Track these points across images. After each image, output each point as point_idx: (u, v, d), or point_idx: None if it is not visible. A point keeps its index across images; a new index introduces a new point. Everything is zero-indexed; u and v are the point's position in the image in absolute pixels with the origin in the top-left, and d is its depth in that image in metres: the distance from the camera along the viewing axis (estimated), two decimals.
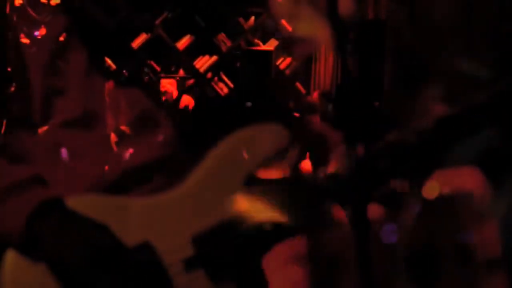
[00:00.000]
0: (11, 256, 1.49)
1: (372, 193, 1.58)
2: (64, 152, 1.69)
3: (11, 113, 1.71)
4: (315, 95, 7.56)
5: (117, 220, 1.52)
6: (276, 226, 1.55)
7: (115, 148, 1.77)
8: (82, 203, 1.54)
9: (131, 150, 1.76)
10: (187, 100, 8.12)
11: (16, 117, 1.72)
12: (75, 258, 1.44)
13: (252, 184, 1.58)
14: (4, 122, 1.70)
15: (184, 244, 1.54)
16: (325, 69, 8.23)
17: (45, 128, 1.70)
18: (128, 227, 1.52)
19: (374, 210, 1.71)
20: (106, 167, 1.73)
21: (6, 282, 1.48)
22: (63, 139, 1.71)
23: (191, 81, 8.48)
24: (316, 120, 6.39)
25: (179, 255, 1.53)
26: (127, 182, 1.68)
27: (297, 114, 6.60)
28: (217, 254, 1.54)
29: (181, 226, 1.56)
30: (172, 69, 8.67)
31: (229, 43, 8.35)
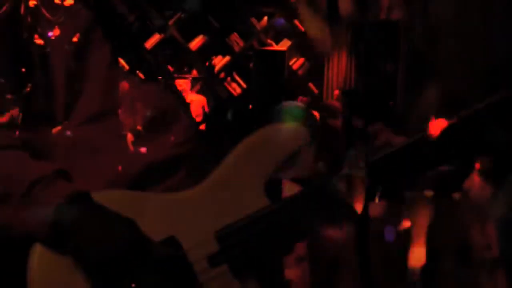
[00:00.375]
0: (38, 250, 1.50)
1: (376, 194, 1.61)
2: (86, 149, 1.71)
3: (32, 110, 1.72)
4: (336, 92, 7.55)
5: (142, 215, 1.53)
6: (296, 224, 1.57)
7: (131, 147, 1.78)
8: (107, 198, 1.54)
9: (146, 148, 1.78)
10: (199, 100, 8.14)
11: (37, 113, 1.73)
12: (102, 252, 1.45)
13: (272, 184, 1.60)
14: (25, 118, 1.72)
15: (208, 240, 1.55)
16: (338, 69, 8.22)
17: (66, 124, 1.71)
18: (153, 222, 1.53)
19: (375, 209, 1.72)
20: (123, 164, 1.74)
21: (34, 277, 1.48)
22: (85, 135, 1.72)
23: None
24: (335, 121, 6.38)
25: (203, 251, 1.54)
26: (149, 178, 1.70)
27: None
28: (240, 250, 1.56)
29: (204, 222, 1.57)
30: (185, 69, 8.70)
31: (242, 44, 8.36)
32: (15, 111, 1.64)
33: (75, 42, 1.83)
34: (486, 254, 1.97)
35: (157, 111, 1.86)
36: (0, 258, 1.57)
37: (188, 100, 7.47)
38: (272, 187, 1.62)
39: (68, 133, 1.66)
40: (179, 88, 8.01)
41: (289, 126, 1.67)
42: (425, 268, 2.03)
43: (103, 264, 1.47)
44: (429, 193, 1.94)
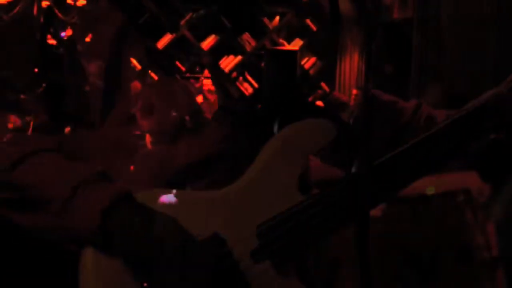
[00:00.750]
0: (89, 253, 1.51)
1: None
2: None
3: (62, 112, 1.75)
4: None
5: (183, 213, 1.55)
6: (330, 217, 1.59)
7: (149, 146, 1.80)
8: (149, 197, 1.56)
9: (182, 147, 1.80)
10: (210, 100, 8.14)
11: (73, 115, 1.76)
12: (151, 254, 1.46)
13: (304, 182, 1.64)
14: (56, 120, 1.74)
15: (248, 237, 1.57)
16: (350, 68, 8.20)
17: (103, 125, 1.73)
18: (193, 220, 1.55)
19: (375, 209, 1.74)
20: (160, 164, 1.77)
21: (87, 280, 1.49)
22: (121, 136, 1.73)
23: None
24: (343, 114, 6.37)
25: (245, 248, 1.56)
26: (185, 177, 1.72)
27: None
28: (281, 245, 1.57)
29: (243, 219, 1.60)
30: (197, 69, 8.70)
31: (253, 43, 8.36)
32: (41, 114, 1.66)
33: (110, 44, 1.86)
34: (486, 254, 1.97)
35: (185, 110, 1.88)
36: (44, 263, 1.58)
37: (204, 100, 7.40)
38: (303, 182, 1.65)
39: (105, 134, 1.67)
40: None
41: (317, 122, 1.71)
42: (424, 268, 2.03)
43: (153, 265, 1.47)
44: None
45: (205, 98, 8.19)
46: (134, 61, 7.61)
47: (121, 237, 1.46)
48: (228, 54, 8.43)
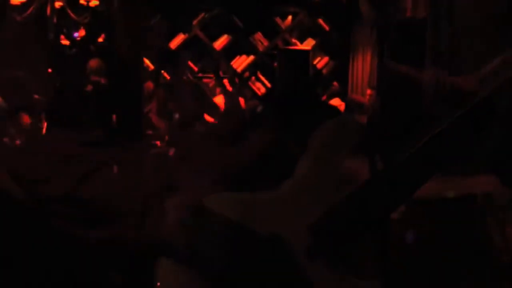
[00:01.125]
0: (164, 264, 1.53)
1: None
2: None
3: (118, 126, 1.81)
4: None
5: (246, 215, 1.60)
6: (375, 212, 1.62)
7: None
8: (215, 202, 1.61)
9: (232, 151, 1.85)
10: (219, 100, 8.15)
11: (125, 129, 1.81)
12: (222, 258, 1.50)
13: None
14: (113, 135, 1.78)
15: (303, 235, 1.61)
16: (363, 68, 8.18)
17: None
18: (254, 221, 1.60)
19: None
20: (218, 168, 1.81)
21: None
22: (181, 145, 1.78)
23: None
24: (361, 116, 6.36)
25: (302, 246, 1.60)
26: (241, 180, 1.77)
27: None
28: (334, 242, 1.61)
29: (298, 217, 1.64)
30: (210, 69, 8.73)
31: (266, 43, 8.37)
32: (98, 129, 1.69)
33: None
34: (506, 257, 1.96)
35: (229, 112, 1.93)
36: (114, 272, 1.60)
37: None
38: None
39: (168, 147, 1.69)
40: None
41: (350, 119, 1.77)
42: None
43: (227, 273, 1.51)
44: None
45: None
46: (147, 61, 7.63)
47: (196, 248, 1.50)
48: (241, 54, 8.44)
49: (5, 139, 4.19)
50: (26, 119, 5.17)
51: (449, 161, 1.66)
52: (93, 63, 6.05)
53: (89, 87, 5.80)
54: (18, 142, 4.40)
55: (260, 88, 8.59)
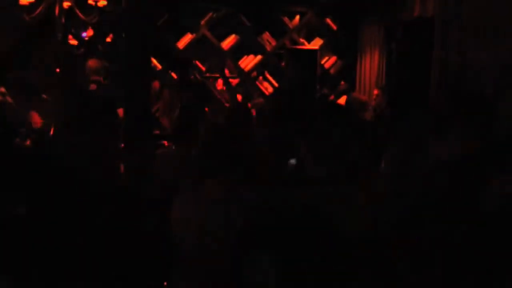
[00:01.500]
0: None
1: None
2: None
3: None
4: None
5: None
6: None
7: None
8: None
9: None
10: (225, 99, 8.17)
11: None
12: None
13: None
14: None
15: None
16: (370, 68, 8.17)
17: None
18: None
19: None
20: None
21: None
22: None
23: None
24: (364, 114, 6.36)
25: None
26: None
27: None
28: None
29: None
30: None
31: (274, 43, 8.36)
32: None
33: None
34: None
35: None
36: None
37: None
38: None
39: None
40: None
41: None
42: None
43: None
44: None
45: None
46: (154, 61, 7.64)
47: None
48: (248, 54, 8.44)
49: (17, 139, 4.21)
50: (35, 118, 5.20)
51: None
52: (92, 63, 6.07)
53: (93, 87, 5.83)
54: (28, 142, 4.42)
55: (267, 87, 8.59)
